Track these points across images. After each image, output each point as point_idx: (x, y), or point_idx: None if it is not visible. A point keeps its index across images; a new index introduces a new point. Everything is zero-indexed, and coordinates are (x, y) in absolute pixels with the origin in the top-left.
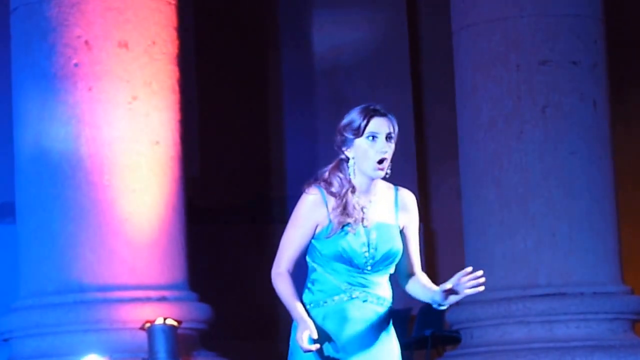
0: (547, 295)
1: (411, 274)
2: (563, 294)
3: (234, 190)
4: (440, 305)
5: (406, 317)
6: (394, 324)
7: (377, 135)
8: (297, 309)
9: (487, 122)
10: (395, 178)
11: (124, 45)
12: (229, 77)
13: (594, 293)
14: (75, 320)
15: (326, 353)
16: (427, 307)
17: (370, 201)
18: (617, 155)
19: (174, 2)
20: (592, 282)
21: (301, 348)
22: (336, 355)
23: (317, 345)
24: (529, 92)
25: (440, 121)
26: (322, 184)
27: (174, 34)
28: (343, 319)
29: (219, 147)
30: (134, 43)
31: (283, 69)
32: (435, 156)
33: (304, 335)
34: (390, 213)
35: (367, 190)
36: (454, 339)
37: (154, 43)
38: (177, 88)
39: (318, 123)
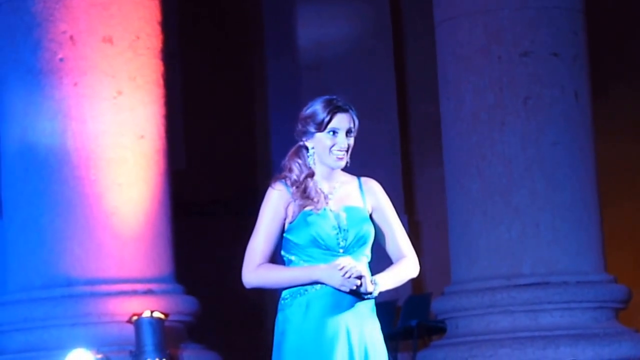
0: (532, 284)
1: (400, 258)
2: (547, 283)
3: (221, 183)
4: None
5: (392, 307)
6: (379, 315)
7: (338, 131)
8: (302, 269)
9: (469, 114)
10: (380, 170)
11: (108, 40)
12: (214, 71)
13: (578, 282)
14: (63, 314)
15: (312, 343)
16: (413, 298)
17: (334, 187)
18: (599, 147)
19: None
20: (575, 271)
21: (353, 273)
22: (322, 344)
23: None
24: (511, 84)
25: (424, 114)
26: (286, 176)
27: (158, 29)
28: (327, 304)
29: (206, 140)
30: (118, 38)
31: (268, 64)
32: (419, 148)
33: (342, 267)
34: (356, 197)
35: (328, 178)
36: (439, 328)
37: (138, 38)
38: (161, 82)
39: None
